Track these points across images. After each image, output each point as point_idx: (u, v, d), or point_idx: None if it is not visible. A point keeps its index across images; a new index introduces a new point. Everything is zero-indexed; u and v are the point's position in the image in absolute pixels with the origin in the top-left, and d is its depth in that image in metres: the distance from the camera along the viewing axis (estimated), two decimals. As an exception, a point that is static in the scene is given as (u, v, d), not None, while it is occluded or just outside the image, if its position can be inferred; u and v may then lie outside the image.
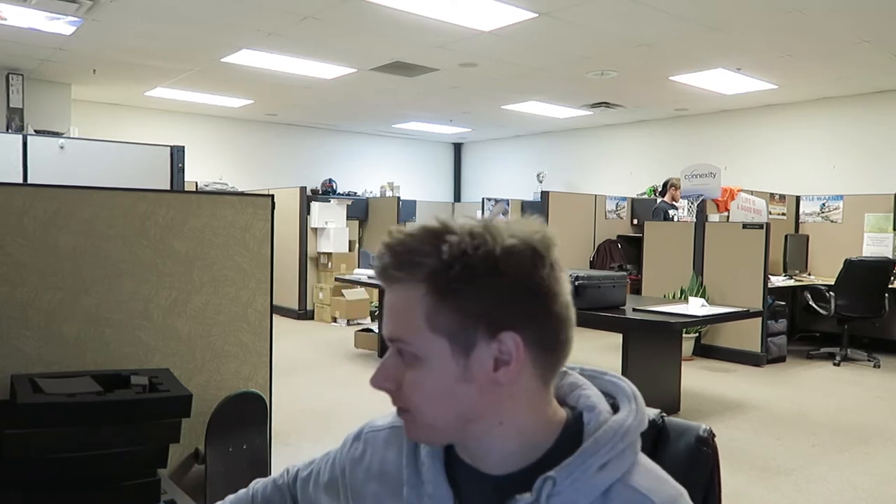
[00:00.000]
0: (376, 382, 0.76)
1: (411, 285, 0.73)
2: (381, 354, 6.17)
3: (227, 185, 9.52)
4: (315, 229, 8.63)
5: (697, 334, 6.29)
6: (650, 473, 0.78)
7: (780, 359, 6.17)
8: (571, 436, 0.78)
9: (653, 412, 0.99)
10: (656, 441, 0.99)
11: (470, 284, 0.71)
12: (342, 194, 10.86)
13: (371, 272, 7.06)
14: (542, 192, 7.95)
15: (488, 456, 0.78)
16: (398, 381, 0.75)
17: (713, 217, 6.56)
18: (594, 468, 0.74)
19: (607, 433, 0.76)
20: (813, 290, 6.34)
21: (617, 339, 4.33)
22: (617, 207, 8.61)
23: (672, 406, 4.55)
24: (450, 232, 0.72)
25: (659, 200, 7.82)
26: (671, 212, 7.32)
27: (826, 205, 7.38)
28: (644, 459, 0.79)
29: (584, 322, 4.60)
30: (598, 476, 0.74)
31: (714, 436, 0.98)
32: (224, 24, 5.72)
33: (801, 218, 7.55)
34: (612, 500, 0.74)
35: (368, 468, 0.90)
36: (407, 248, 0.72)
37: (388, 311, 0.76)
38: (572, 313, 0.78)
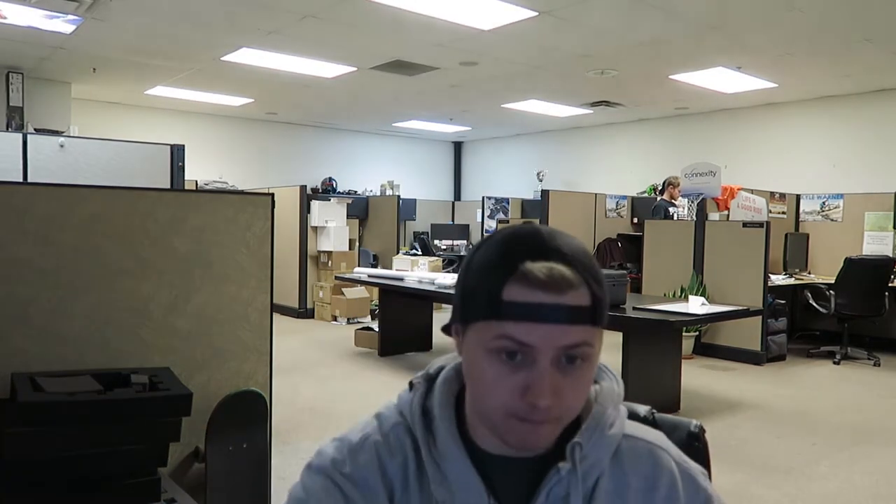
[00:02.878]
0: (548, 398, 0.75)
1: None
2: (381, 353, 6.18)
3: (227, 183, 9.52)
4: (315, 228, 8.63)
5: (697, 333, 6.29)
6: (638, 427, 0.90)
7: (780, 357, 6.17)
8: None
9: (643, 409, 1.01)
10: None
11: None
12: (342, 193, 10.86)
13: (370, 271, 7.08)
14: (543, 191, 7.94)
15: (547, 440, 0.80)
16: (561, 391, 0.76)
17: (713, 216, 6.55)
18: (607, 427, 0.84)
19: (606, 398, 0.87)
20: (813, 288, 6.34)
21: (617, 337, 4.33)
22: (617, 206, 8.61)
23: (672, 405, 4.55)
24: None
25: (659, 199, 7.82)
26: (671, 210, 7.32)
27: (826, 203, 7.38)
28: (630, 421, 0.90)
29: (584, 321, 4.61)
30: (611, 434, 0.84)
31: (704, 431, 1.00)
32: (224, 22, 5.72)
33: (802, 216, 7.55)
34: (620, 451, 0.85)
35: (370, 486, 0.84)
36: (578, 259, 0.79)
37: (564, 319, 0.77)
38: None
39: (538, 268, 0.75)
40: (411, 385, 0.90)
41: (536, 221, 7.69)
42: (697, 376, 5.48)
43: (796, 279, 6.79)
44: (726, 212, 6.67)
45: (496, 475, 0.83)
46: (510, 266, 0.76)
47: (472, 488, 0.81)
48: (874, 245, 6.86)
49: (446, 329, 0.86)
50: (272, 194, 2.38)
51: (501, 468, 0.83)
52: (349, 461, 0.86)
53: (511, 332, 0.75)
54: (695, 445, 0.98)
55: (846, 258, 6.10)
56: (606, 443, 0.84)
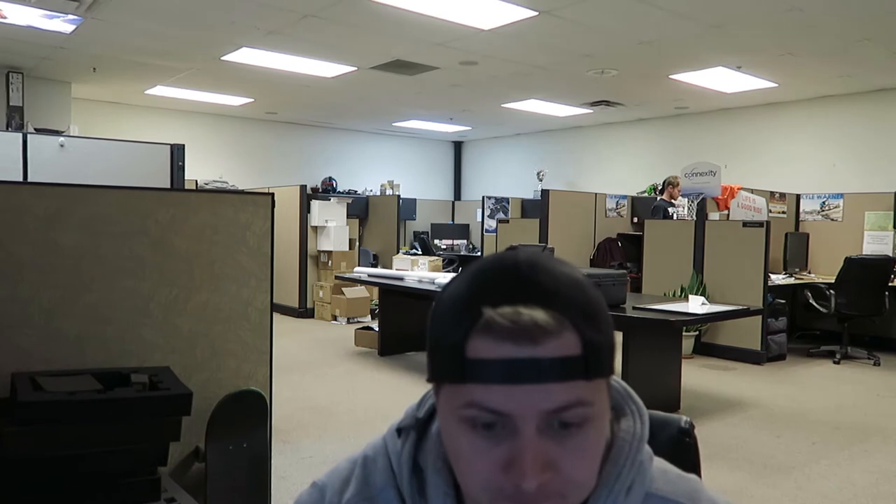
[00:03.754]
0: (538, 477, 0.60)
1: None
2: (381, 353, 6.18)
3: (227, 183, 9.52)
4: (315, 227, 8.63)
5: (697, 332, 6.29)
6: (666, 475, 0.72)
7: (780, 357, 6.17)
8: None
9: (683, 420, 1.00)
10: None
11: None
12: (342, 192, 10.86)
13: (370, 270, 7.08)
14: (543, 191, 7.94)
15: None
16: (556, 464, 0.61)
17: (713, 215, 6.55)
18: (622, 494, 0.67)
19: (623, 449, 0.69)
20: (813, 288, 6.34)
21: (617, 337, 4.32)
22: (617, 206, 8.60)
23: (672, 404, 4.55)
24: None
25: (658, 199, 7.83)
26: (669, 210, 7.32)
27: (826, 203, 7.38)
28: (662, 465, 0.74)
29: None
30: (628, 500, 0.68)
31: (694, 427, 0.99)
32: (224, 22, 5.72)
33: (802, 216, 7.55)
34: None
35: None
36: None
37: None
38: None
39: (504, 313, 0.60)
40: (399, 431, 0.75)
41: (536, 222, 7.70)
42: (697, 376, 5.49)
43: (796, 279, 6.79)
44: (726, 211, 6.67)
45: None
46: (474, 313, 0.61)
47: None
48: (874, 245, 6.86)
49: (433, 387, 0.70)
50: (272, 194, 2.38)
51: None
52: None
53: (480, 399, 0.60)
54: (685, 441, 0.97)
55: (846, 258, 6.10)
56: None
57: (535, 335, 0.59)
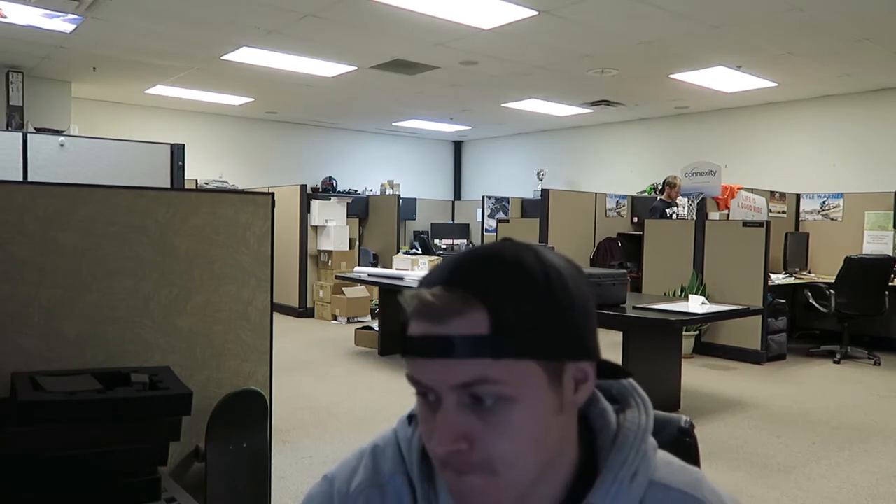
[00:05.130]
0: (446, 445, 0.63)
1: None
2: (381, 352, 6.18)
3: (227, 183, 9.52)
4: (315, 227, 8.63)
5: (698, 332, 6.29)
6: (670, 466, 0.75)
7: (780, 357, 6.17)
8: (586, 445, 0.73)
9: (683, 419, 1.00)
10: None
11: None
12: (342, 192, 10.86)
13: (371, 270, 7.08)
14: (543, 190, 7.95)
15: (531, 496, 0.69)
16: (471, 436, 0.63)
17: (713, 215, 6.55)
18: (627, 480, 0.70)
19: (628, 438, 0.72)
20: (813, 287, 6.34)
21: (617, 336, 4.33)
22: (617, 205, 8.60)
23: (672, 404, 4.55)
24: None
25: (658, 199, 7.84)
26: (667, 210, 7.33)
27: (826, 203, 7.38)
28: (665, 456, 0.76)
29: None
30: (632, 487, 0.70)
31: (693, 427, 0.99)
32: (224, 21, 5.72)
33: (802, 216, 7.55)
34: (646, 502, 0.71)
35: None
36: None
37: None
38: None
39: (421, 293, 0.64)
40: (410, 418, 0.78)
41: (537, 221, 7.70)
42: (697, 376, 5.48)
43: (796, 278, 6.79)
44: (726, 211, 6.67)
45: None
46: (415, 295, 0.66)
47: None
48: (874, 244, 6.86)
49: None
50: (272, 194, 2.38)
51: None
52: None
53: (410, 372, 0.66)
54: (685, 441, 0.97)
55: (846, 257, 6.10)
56: (626, 499, 0.70)
57: (443, 314, 0.63)
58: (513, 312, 0.63)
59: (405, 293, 0.65)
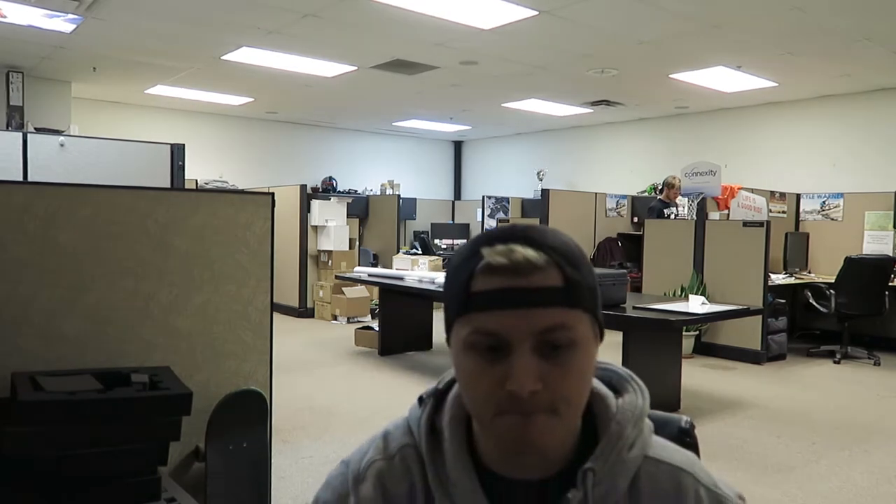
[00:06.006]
0: (529, 385, 0.70)
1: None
2: (381, 352, 6.18)
3: (227, 183, 9.52)
4: (315, 227, 8.62)
5: (698, 332, 6.29)
6: (665, 447, 0.82)
7: (780, 357, 6.17)
8: (588, 425, 0.80)
9: (683, 420, 1.00)
10: None
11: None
12: (342, 192, 10.86)
13: (371, 270, 7.08)
14: (543, 190, 7.95)
15: (547, 454, 0.77)
16: (545, 378, 0.71)
17: (713, 215, 6.55)
18: (625, 450, 0.77)
19: (626, 415, 0.80)
20: (813, 287, 6.34)
21: (617, 337, 4.33)
22: (617, 205, 8.61)
23: (672, 404, 4.55)
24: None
25: (657, 199, 7.84)
26: (665, 211, 7.33)
27: (826, 203, 7.38)
28: (662, 439, 0.84)
29: (584, 320, 4.61)
30: (630, 457, 0.78)
31: (694, 427, 0.98)
32: (224, 21, 5.72)
33: (802, 216, 7.55)
34: (641, 475, 0.78)
35: None
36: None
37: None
38: None
39: (499, 251, 0.73)
40: (420, 400, 0.85)
41: (536, 221, 7.70)
42: (697, 376, 5.48)
43: (796, 278, 6.79)
44: (726, 211, 6.67)
45: (506, 500, 0.77)
46: (476, 258, 0.74)
47: None
48: (874, 244, 6.86)
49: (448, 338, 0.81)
50: (272, 193, 2.38)
51: (512, 493, 0.78)
52: (353, 494, 0.83)
53: (481, 324, 0.72)
54: (685, 441, 0.96)
55: (846, 257, 6.10)
56: (624, 467, 0.77)
57: (525, 269, 0.72)
58: (577, 273, 0.74)
59: (492, 245, 0.73)
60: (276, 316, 2.34)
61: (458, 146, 13.52)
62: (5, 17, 5.63)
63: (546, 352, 0.72)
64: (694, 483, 0.78)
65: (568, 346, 0.72)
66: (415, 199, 11.70)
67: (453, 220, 12.37)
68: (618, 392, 0.83)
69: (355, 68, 7.26)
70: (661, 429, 0.96)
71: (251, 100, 9.34)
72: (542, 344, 0.71)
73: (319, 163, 11.65)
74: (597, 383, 0.82)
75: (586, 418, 0.80)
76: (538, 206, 8.12)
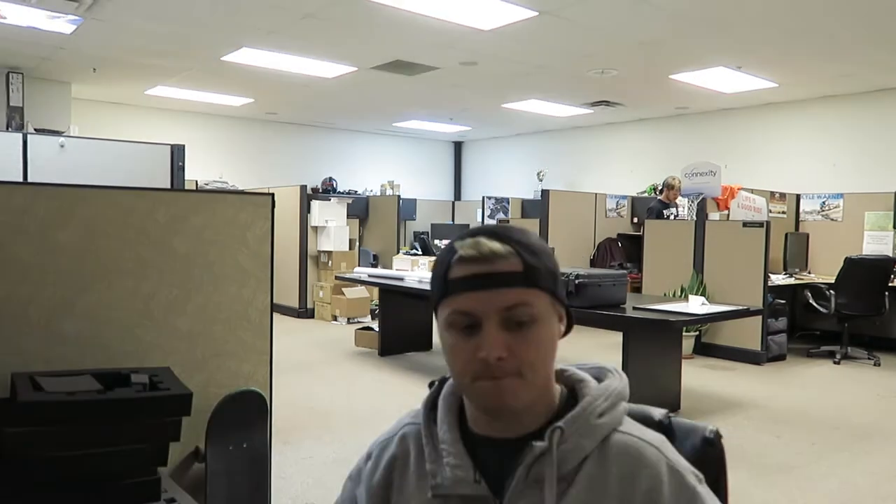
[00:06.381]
0: (497, 352, 0.84)
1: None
2: (381, 353, 6.18)
3: (227, 183, 9.52)
4: (315, 228, 8.63)
5: (698, 333, 6.29)
6: (637, 427, 0.92)
7: (780, 357, 6.17)
8: (569, 401, 0.92)
9: (659, 412, 1.01)
10: None
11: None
12: (342, 193, 10.86)
13: (371, 270, 7.08)
14: (543, 191, 7.95)
15: (522, 418, 0.89)
16: (510, 347, 0.85)
17: (713, 215, 6.55)
18: (594, 416, 0.88)
19: (599, 390, 0.92)
20: (813, 288, 6.34)
21: (617, 337, 4.33)
22: (617, 206, 8.61)
23: (672, 404, 4.55)
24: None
25: (656, 199, 7.84)
26: (664, 211, 7.33)
27: (826, 203, 7.38)
28: (638, 424, 0.93)
29: (584, 320, 4.61)
30: (598, 423, 0.88)
31: (720, 437, 0.97)
32: (224, 22, 5.72)
33: (802, 216, 7.55)
34: (610, 445, 0.88)
35: (384, 473, 0.99)
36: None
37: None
38: None
39: (469, 244, 0.87)
40: (430, 384, 1.01)
41: (537, 221, 7.70)
42: (697, 376, 5.48)
43: (796, 279, 6.79)
44: (726, 211, 6.67)
45: (485, 454, 0.90)
46: (452, 252, 0.89)
47: (462, 464, 0.89)
48: (874, 245, 6.86)
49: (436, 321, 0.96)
50: (272, 194, 2.37)
51: (490, 448, 0.90)
52: (360, 468, 1.03)
53: (457, 305, 0.86)
54: (708, 451, 0.95)
55: (846, 258, 6.10)
56: (591, 430, 0.87)
57: (490, 258, 0.86)
58: (535, 260, 0.87)
59: (464, 241, 0.89)
60: (276, 316, 2.34)
61: (458, 147, 13.52)
62: (5, 18, 5.64)
63: (511, 326, 0.85)
64: (658, 455, 0.87)
65: (529, 320, 0.86)
66: (415, 200, 11.70)
67: (453, 220, 12.37)
68: (597, 379, 0.97)
69: (355, 69, 7.26)
70: (685, 438, 0.96)
71: (251, 100, 9.34)
72: (507, 319, 0.85)
73: (319, 163, 11.65)
74: (585, 375, 0.96)
75: (570, 400, 0.92)
76: (538, 206, 8.12)
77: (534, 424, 0.89)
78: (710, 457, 0.95)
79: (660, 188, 8.06)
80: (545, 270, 0.88)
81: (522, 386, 0.85)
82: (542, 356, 0.87)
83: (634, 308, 4.27)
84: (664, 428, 0.98)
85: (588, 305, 4.12)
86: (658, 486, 0.84)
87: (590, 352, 6.13)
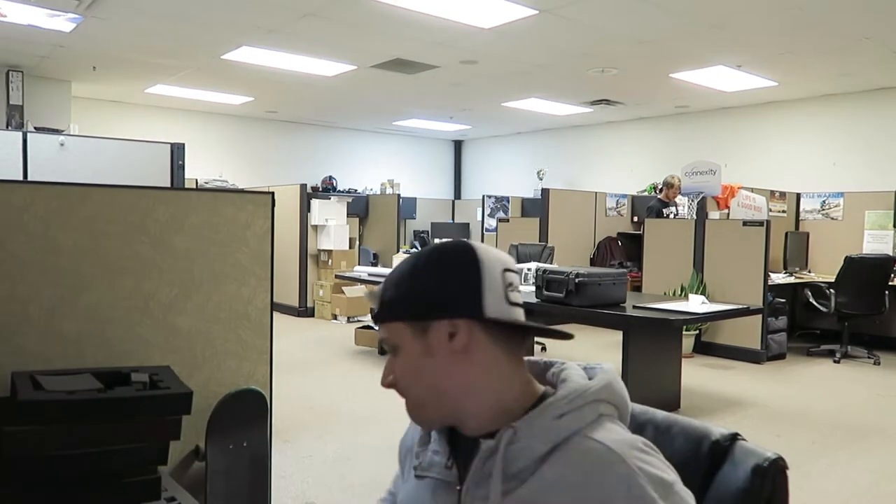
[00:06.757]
0: (382, 381, 0.97)
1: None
2: (380, 352, 6.18)
3: (227, 182, 9.52)
4: (315, 226, 8.62)
5: (698, 331, 6.29)
6: (617, 430, 0.88)
7: (780, 356, 6.17)
8: (542, 401, 0.92)
9: (718, 432, 0.93)
10: (714, 464, 0.91)
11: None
12: (342, 191, 10.86)
13: (371, 269, 7.08)
14: (543, 190, 7.95)
15: (467, 421, 0.94)
16: (391, 373, 0.96)
17: (713, 214, 6.55)
18: (551, 417, 0.87)
19: (568, 392, 0.90)
20: (813, 287, 6.34)
21: (617, 336, 4.33)
22: (617, 205, 8.61)
23: (672, 404, 4.55)
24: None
25: (656, 198, 7.84)
26: (664, 210, 7.33)
27: (826, 202, 7.38)
28: (618, 428, 0.89)
29: (584, 319, 4.62)
30: (555, 424, 0.87)
31: (780, 465, 0.87)
32: (224, 21, 5.72)
33: (802, 215, 7.55)
34: (569, 448, 0.85)
35: (400, 458, 1.12)
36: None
37: None
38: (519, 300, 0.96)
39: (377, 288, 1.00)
40: None
41: (537, 221, 7.70)
42: (697, 375, 5.49)
43: (796, 278, 6.79)
44: (726, 210, 6.67)
45: (463, 446, 0.96)
46: None
47: (440, 451, 0.98)
48: (874, 243, 6.86)
49: None
50: (272, 193, 2.37)
51: (466, 442, 0.96)
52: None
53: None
54: (757, 483, 0.85)
55: (846, 257, 6.10)
56: (545, 431, 0.87)
57: (372, 298, 0.98)
58: (393, 293, 0.95)
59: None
60: (276, 315, 2.34)
61: (458, 145, 13.52)
62: (5, 16, 5.63)
63: (391, 355, 0.96)
64: (620, 465, 0.82)
65: (393, 350, 0.95)
66: (415, 199, 11.70)
67: (453, 219, 12.36)
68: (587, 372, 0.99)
69: (355, 67, 7.26)
70: (741, 462, 0.90)
71: (251, 99, 9.33)
72: (388, 349, 0.96)
73: (319, 162, 11.65)
74: (572, 375, 0.96)
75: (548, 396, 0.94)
76: (538, 205, 8.12)
77: (494, 425, 0.91)
78: (759, 489, 0.87)
79: (660, 187, 8.06)
80: (401, 301, 0.94)
81: (411, 404, 0.96)
82: (408, 380, 0.94)
83: (634, 307, 4.27)
84: (722, 450, 0.89)
85: (588, 304, 4.12)
86: (609, 501, 0.80)
87: (590, 351, 6.13)
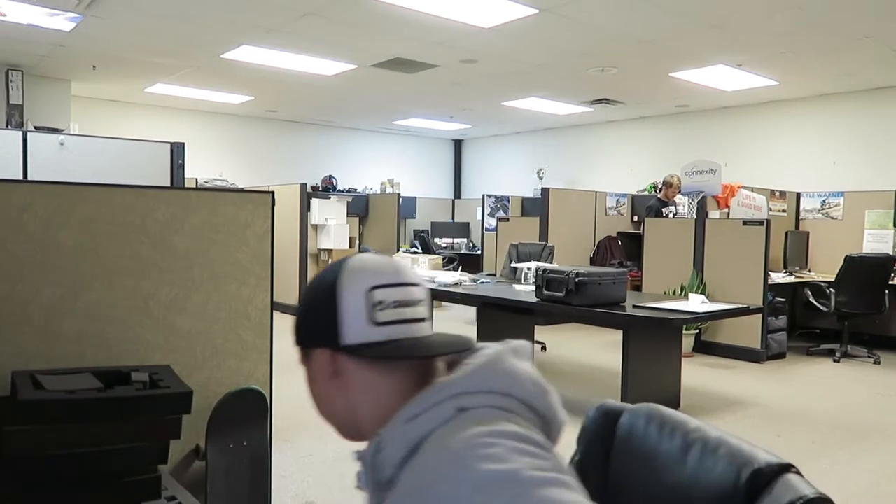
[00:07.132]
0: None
1: None
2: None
3: (227, 181, 9.52)
4: (315, 226, 8.62)
5: (698, 331, 6.29)
6: (463, 426, 0.76)
7: (780, 355, 6.17)
8: None
9: (768, 460, 0.81)
10: (750, 498, 0.81)
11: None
12: (342, 191, 10.86)
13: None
14: (543, 189, 7.95)
15: (367, 437, 0.88)
16: None
17: (713, 214, 6.55)
18: (403, 421, 0.81)
19: (428, 390, 0.83)
20: (813, 286, 6.34)
21: (617, 335, 4.33)
22: (617, 204, 8.61)
23: (672, 403, 4.55)
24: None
25: (655, 197, 7.85)
26: (664, 210, 7.33)
27: (826, 201, 7.38)
28: (478, 421, 0.77)
29: (584, 319, 4.62)
30: (406, 428, 0.80)
31: None
32: (224, 20, 5.71)
33: (802, 214, 7.55)
34: (422, 452, 0.78)
35: None
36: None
37: None
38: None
39: None
40: None
41: (537, 220, 7.69)
42: (697, 374, 5.49)
43: (796, 277, 6.79)
44: (727, 210, 6.67)
45: None
46: None
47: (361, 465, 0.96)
48: (874, 243, 6.86)
49: None
50: (272, 192, 2.37)
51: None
52: None
53: None
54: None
55: (846, 256, 6.10)
56: (398, 437, 0.80)
57: None
58: (296, 321, 0.96)
59: None
60: (276, 314, 2.34)
61: (458, 145, 13.52)
62: (5, 15, 5.63)
63: None
64: (457, 466, 0.72)
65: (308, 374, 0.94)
66: (415, 198, 11.70)
67: (453, 218, 12.37)
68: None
69: (355, 67, 7.25)
70: (737, 475, 0.79)
71: (251, 98, 9.33)
72: None
73: (319, 161, 11.64)
74: (464, 370, 0.85)
75: None
76: (538, 204, 8.12)
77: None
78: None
79: (659, 186, 8.06)
80: (298, 328, 0.96)
81: (340, 428, 0.94)
82: (317, 399, 0.95)
83: (634, 306, 4.27)
84: (761, 482, 0.79)
85: (588, 304, 4.12)
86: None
87: (590, 351, 6.13)
